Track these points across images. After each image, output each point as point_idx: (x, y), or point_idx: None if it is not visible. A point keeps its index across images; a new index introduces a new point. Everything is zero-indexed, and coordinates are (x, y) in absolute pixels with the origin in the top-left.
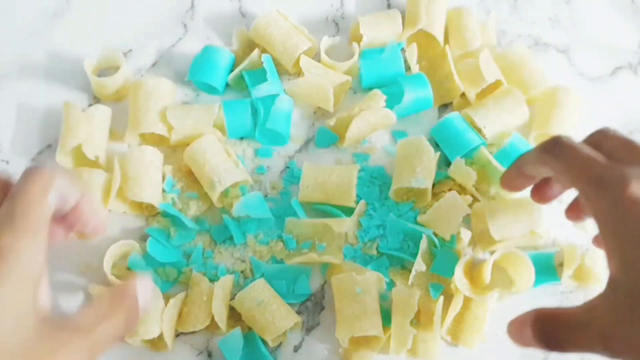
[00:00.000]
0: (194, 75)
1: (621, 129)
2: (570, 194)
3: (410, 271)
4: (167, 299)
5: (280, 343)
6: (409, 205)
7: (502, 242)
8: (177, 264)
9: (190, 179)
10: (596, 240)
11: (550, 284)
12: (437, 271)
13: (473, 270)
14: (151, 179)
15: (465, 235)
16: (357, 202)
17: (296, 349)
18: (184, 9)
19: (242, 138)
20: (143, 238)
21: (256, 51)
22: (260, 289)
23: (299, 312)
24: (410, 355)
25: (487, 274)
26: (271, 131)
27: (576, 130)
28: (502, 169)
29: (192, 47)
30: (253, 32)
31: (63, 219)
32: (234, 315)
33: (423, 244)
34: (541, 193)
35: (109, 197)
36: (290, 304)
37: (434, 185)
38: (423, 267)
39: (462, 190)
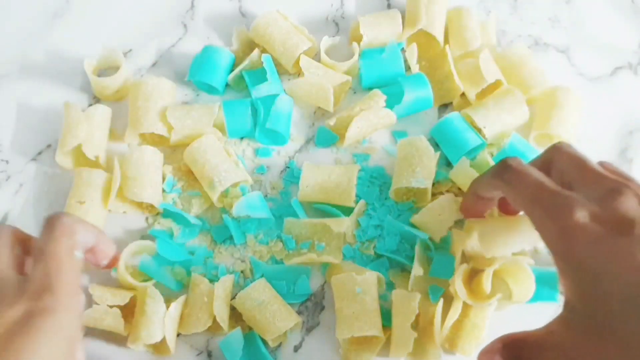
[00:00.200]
0: (194, 75)
1: (621, 129)
2: None
3: (410, 273)
4: (167, 302)
5: (280, 343)
6: (409, 205)
7: (493, 260)
8: (186, 262)
9: (191, 178)
10: None
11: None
12: (435, 274)
13: (472, 279)
14: (151, 179)
15: (459, 236)
16: (356, 202)
17: (296, 349)
18: (184, 9)
19: (242, 138)
20: (143, 238)
21: (256, 51)
22: (261, 289)
23: (299, 312)
24: (409, 358)
25: (487, 284)
26: (271, 131)
27: (576, 130)
28: None
29: (192, 47)
30: (253, 32)
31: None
32: (235, 315)
33: (418, 249)
34: (505, 207)
35: (109, 197)
36: (290, 304)
37: (433, 185)
38: (421, 272)
39: (460, 193)
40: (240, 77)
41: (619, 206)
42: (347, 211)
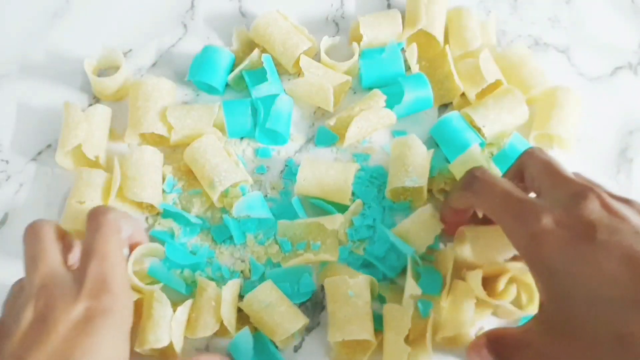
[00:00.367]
0: (194, 75)
1: (621, 129)
2: None
3: (399, 286)
4: (174, 306)
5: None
6: (406, 205)
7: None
8: (194, 266)
9: (191, 178)
10: None
11: None
12: (424, 291)
13: (485, 282)
14: (151, 179)
15: (447, 255)
16: (354, 201)
17: (296, 349)
18: (184, 9)
19: (242, 138)
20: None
21: (256, 51)
22: (267, 291)
23: None
24: None
25: (500, 287)
26: (271, 131)
27: (576, 130)
28: (498, 170)
29: (192, 47)
30: (253, 32)
31: None
32: (241, 317)
33: (410, 266)
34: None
35: (109, 197)
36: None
37: (428, 181)
38: (419, 291)
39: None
40: (240, 77)
41: (583, 211)
42: (344, 209)
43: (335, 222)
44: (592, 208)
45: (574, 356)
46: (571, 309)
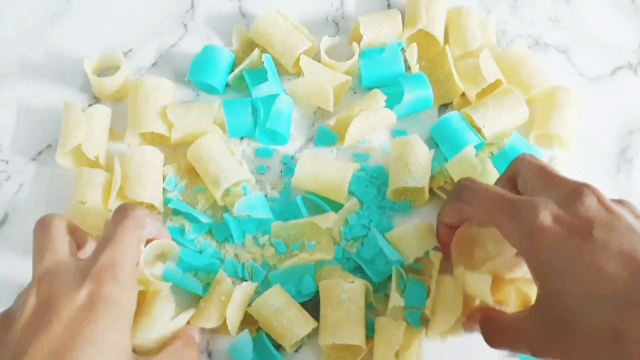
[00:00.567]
0: (194, 75)
1: (621, 129)
2: None
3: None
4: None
5: (280, 344)
6: (406, 205)
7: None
8: (209, 268)
9: (193, 175)
10: None
11: None
12: (409, 303)
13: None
14: (152, 179)
15: (436, 258)
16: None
17: (297, 349)
18: (184, 9)
19: (242, 138)
20: None
21: (256, 51)
22: (276, 296)
23: None
24: None
25: (510, 297)
26: (271, 131)
27: (576, 130)
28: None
29: (192, 47)
30: (253, 32)
31: None
32: (245, 320)
33: (395, 277)
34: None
35: (110, 197)
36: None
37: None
38: (401, 302)
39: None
40: (241, 77)
41: (580, 207)
42: (340, 208)
43: (329, 220)
44: (590, 205)
45: (566, 352)
46: (567, 305)
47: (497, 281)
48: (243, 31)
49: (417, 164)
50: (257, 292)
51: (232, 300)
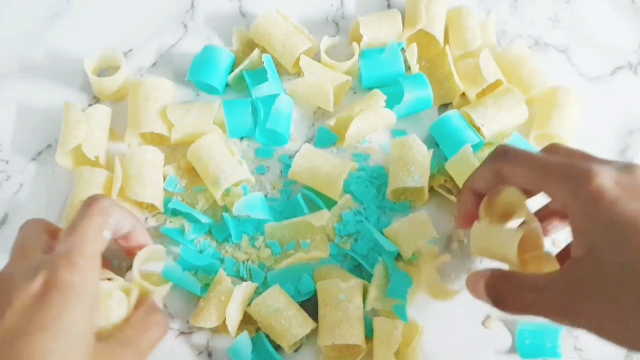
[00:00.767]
0: (194, 75)
1: (621, 129)
2: None
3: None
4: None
5: (278, 346)
6: (406, 205)
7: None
8: (209, 268)
9: (193, 175)
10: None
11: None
12: (392, 295)
13: None
14: (152, 179)
15: (431, 251)
16: (353, 200)
17: (296, 349)
18: (184, 9)
19: (242, 138)
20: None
21: (256, 51)
22: (275, 296)
23: None
24: None
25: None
26: (271, 131)
27: (576, 130)
28: None
29: (192, 47)
30: (253, 32)
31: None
32: (244, 319)
33: (378, 271)
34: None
35: (111, 196)
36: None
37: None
38: (379, 306)
39: (455, 187)
40: (241, 77)
41: (637, 174)
42: (334, 204)
43: (323, 218)
44: None
45: (595, 313)
46: (618, 264)
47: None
48: (243, 31)
49: (416, 164)
50: (257, 293)
51: (232, 300)
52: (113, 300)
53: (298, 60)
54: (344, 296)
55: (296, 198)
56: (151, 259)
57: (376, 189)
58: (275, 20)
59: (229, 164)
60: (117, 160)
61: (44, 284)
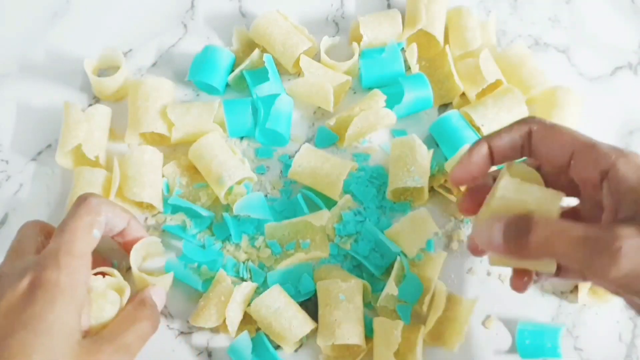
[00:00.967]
0: (194, 75)
1: (621, 129)
2: None
3: (390, 296)
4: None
5: (278, 346)
6: (406, 205)
7: None
8: (211, 263)
9: (193, 174)
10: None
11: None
12: (403, 297)
13: None
14: (151, 179)
15: (439, 257)
16: (353, 200)
17: (296, 349)
18: (184, 9)
19: (242, 138)
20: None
21: (257, 51)
22: (275, 296)
23: None
24: None
25: None
26: (271, 131)
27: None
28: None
29: (192, 47)
30: (253, 32)
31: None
32: (244, 319)
33: (396, 267)
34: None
35: (109, 196)
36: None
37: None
38: (395, 291)
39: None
40: (241, 77)
41: None
42: (334, 204)
43: (323, 218)
44: None
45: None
46: None
47: None
48: (243, 31)
49: (416, 164)
50: (257, 292)
51: (232, 300)
52: (106, 301)
53: (298, 60)
54: (344, 296)
55: (296, 198)
56: (149, 253)
57: (376, 189)
58: (275, 20)
59: (231, 162)
60: (115, 160)
61: (30, 284)
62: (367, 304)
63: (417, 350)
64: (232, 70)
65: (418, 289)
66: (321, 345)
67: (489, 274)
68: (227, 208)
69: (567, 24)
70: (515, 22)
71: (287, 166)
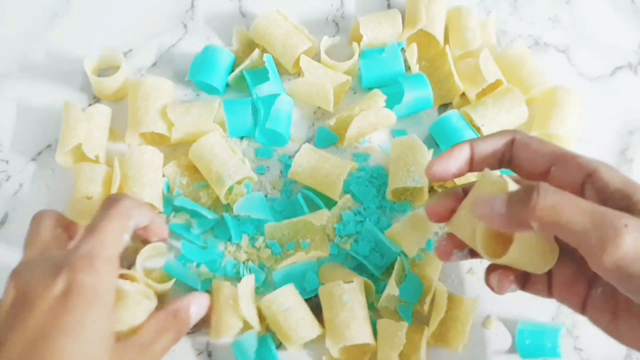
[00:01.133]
0: (194, 75)
1: (621, 129)
2: None
3: (392, 297)
4: None
5: (280, 343)
6: (406, 205)
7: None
8: (211, 262)
9: (193, 173)
10: None
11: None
12: (404, 297)
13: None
14: (151, 179)
15: (434, 260)
16: (353, 200)
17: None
18: (184, 9)
19: (242, 138)
20: None
21: (257, 51)
22: (288, 295)
23: None
24: None
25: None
26: (271, 131)
27: (576, 131)
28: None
29: (192, 47)
30: (253, 32)
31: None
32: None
33: (397, 267)
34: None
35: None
36: None
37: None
38: (397, 292)
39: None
40: (241, 77)
41: None
42: (334, 204)
43: (323, 218)
44: None
45: None
46: None
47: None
48: (243, 31)
49: (416, 164)
50: (257, 293)
51: (241, 298)
52: (139, 308)
53: (298, 60)
54: (348, 297)
55: (296, 198)
56: (152, 255)
57: (376, 189)
58: (275, 20)
59: (231, 162)
60: (115, 160)
61: (65, 286)
62: (369, 305)
63: (421, 352)
64: (232, 70)
65: (419, 289)
66: (331, 348)
67: None
68: (228, 208)
69: (567, 24)
70: (515, 22)
71: (287, 166)
